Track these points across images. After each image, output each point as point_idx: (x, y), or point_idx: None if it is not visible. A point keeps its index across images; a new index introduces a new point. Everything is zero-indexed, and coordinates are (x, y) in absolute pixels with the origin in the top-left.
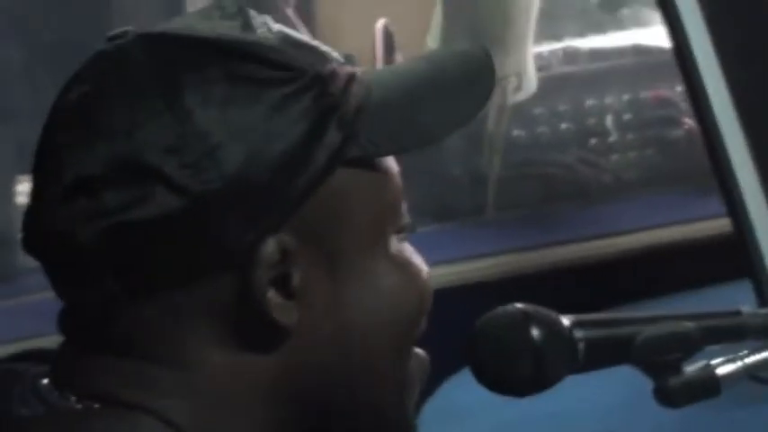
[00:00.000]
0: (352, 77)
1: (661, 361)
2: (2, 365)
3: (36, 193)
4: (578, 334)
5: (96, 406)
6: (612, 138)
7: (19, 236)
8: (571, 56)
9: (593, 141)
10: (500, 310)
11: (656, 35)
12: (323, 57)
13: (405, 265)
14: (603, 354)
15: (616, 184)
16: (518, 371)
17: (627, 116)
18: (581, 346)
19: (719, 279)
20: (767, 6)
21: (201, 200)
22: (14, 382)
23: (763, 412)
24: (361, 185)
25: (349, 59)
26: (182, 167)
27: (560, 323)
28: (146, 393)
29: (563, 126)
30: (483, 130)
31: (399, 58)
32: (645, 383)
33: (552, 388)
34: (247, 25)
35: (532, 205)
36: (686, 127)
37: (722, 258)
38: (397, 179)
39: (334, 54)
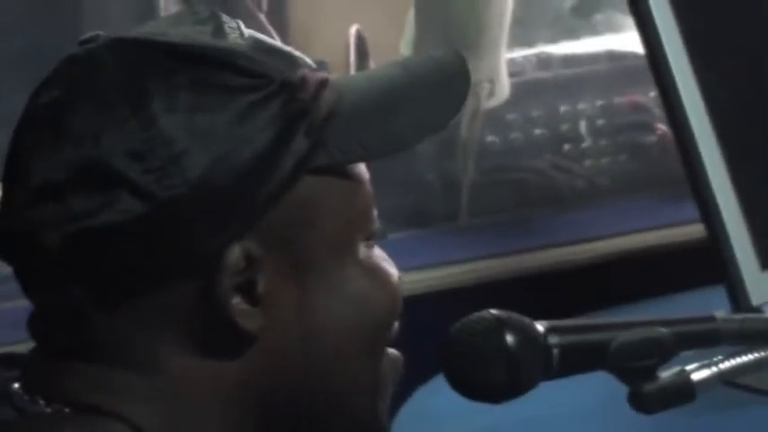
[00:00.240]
0: (323, 83)
1: (636, 367)
2: None
3: (5, 197)
4: (553, 340)
5: (67, 410)
6: (586, 143)
7: None
8: (544, 62)
9: (566, 147)
10: (474, 316)
11: (629, 41)
12: (294, 63)
13: (373, 271)
14: (578, 360)
15: (590, 189)
16: (492, 377)
17: (600, 122)
18: (555, 352)
19: (693, 285)
20: (741, 12)
21: (166, 206)
22: None
23: (738, 418)
24: (330, 192)
25: (321, 66)
26: (147, 173)
27: (535, 329)
28: (114, 398)
29: (536, 132)
30: (456, 135)
31: (372, 63)
32: (620, 389)
33: (527, 394)
34: (219, 30)
35: (506, 211)
36: (659, 132)
37: (696, 264)
38: (368, 186)
39: (307, 60)
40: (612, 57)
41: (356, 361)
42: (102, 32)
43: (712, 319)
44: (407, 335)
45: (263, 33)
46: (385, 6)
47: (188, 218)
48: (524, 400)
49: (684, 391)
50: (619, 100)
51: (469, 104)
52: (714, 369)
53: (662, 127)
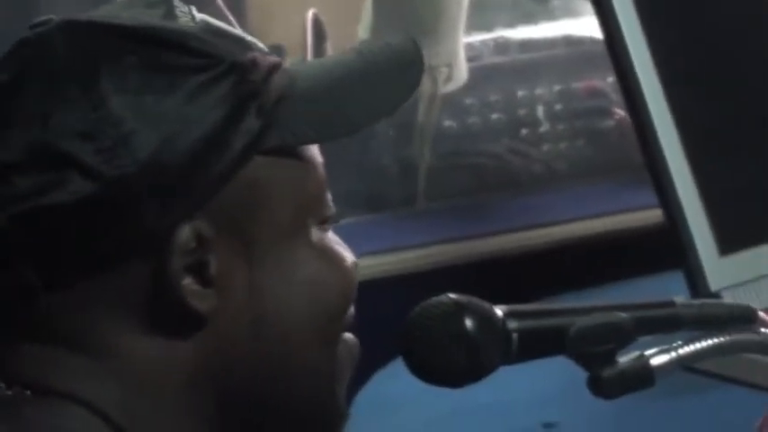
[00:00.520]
0: (275, 67)
1: (595, 351)
2: None
3: None
4: (512, 324)
5: (27, 393)
6: (543, 128)
7: None
8: (502, 46)
9: (524, 132)
10: (433, 300)
11: (587, 26)
12: (245, 46)
13: (326, 254)
14: (537, 344)
15: (547, 174)
16: (451, 361)
17: (558, 107)
18: (515, 336)
19: (651, 270)
20: None
21: (115, 186)
22: None
23: (697, 403)
24: (281, 174)
25: (278, 50)
26: (96, 153)
27: (494, 314)
28: (70, 380)
29: (494, 116)
30: (413, 120)
31: (330, 47)
32: (579, 374)
33: (486, 379)
34: (170, 13)
35: (463, 195)
36: (617, 117)
37: (654, 249)
38: (320, 169)
39: (259, 44)
40: (570, 42)
41: (310, 345)
42: (53, 16)
43: (672, 304)
44: (365, 319)
45: (220, 17)
46: None
47: (137, 198)
48: (483, 384)
49: (643, 376)
50: (576, 85)
51: (427, 89)
52: (673, 354)
53: (619, 112)
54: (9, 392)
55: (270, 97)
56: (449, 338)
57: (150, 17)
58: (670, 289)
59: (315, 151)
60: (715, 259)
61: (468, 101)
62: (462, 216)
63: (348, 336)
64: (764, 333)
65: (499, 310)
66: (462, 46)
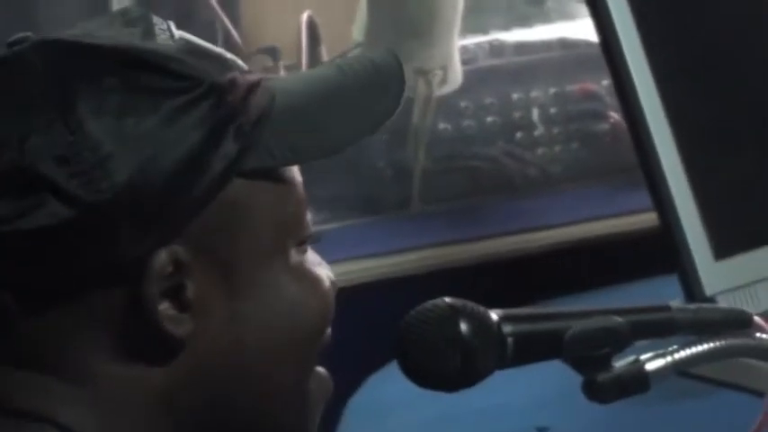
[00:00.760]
0: (254, 86)
1: (590, 356)
2: None
3: None
4: (507, 329)
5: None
6: (538, 131)
7: None
8: (497, 49)
9: (519, 135)
10: (428, 304)
11: (582, 28)
12: (224, 65)
13: (305, 276)
14: (532, 349)
15: (542, 177)
16: (446, 365)
17: (553, 110)
18: (510, 341)
19: (645, 274)
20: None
21: (92, 210)
22: None
23: (692, 408)
24: (260, 196)
25: (272, 52)
26: (72, 177)
27: (489, 318)
28: (44, 402)
29: (489, 119)
30: (408, 122)
31: (324, 50)
32: (573, 378)
33: (481, 383)
34: (148, 32)
35: (458, 199)
36: (612, 121)
37: (648, 253)
38: (300, 189)
39: (238, 63)
40: (565, 44)
41: (287, 368)
42: (31, 34)
43: (667, 308)
44: (359, 323)
45: (215, 19)
46: None
47: (114, 222)
48: (477, 388)
49: (638, 381)
50: (571, 88)
51: (422, 91)
52: (668, 359)
53: (614, 115)
54: None
55: (249, 118)
56: (444, 342)
57: (129, 36)
58: (665, 293)
59: (295, 171)
60: (710, 263)
61: (462, 104)
62: (457, 219)
63: (321, 370)
64: (760, 337)
65: (494, 315)
66: (457, 48)
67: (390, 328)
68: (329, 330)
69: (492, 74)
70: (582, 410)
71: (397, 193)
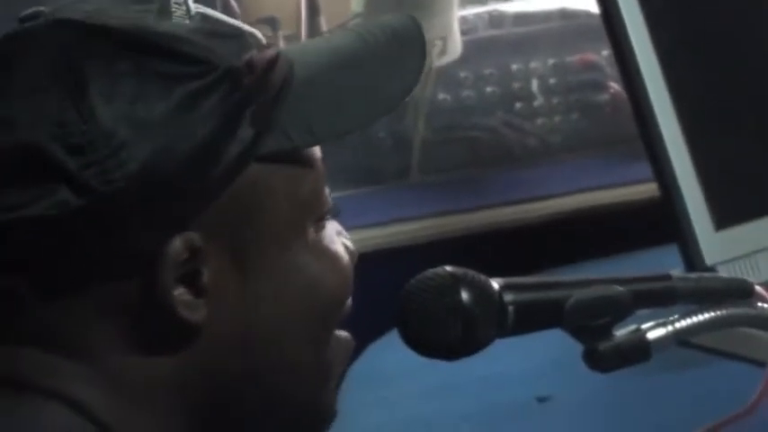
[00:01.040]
0: (271, 63)
1: (591, 325)
2: None
3: None
4: (508, 297)
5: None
6: (538, 102)
7: None
8: (497, 19)
9: (518, 105)
10: (429, 272)
11: None
12: (241, 44)
13: (323, 256)
14: (533, 317)
15: (542, 147)
16: (447, 334)
17: (552, 80)
18: (511, 309)
19: (646, 244)
20: None
21: (105, 199)
22: None
23: (692, 377)
24: (277, 179)
25: (271, 23)
26: (85, 166)
27: (490, 286)
28: (56, 381)
29: (488, 90)
30: None
31: (323, 20)
32: (574, 348)
33: (482, 352)
34: (164, 9)
35: (457, 169)
36: (612, 91)
37: (649, 223)
38: (318, 166)
39: (257, 36)
40: (565, 15)
41: (304, 349)
42: (44, 9)
43: (668, 277)
44: (359, 292)
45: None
46: None
47: (127, 211)
48: (478, 357)
49: (640, 350)
50: (571, 58)
51: None
52: (669, 328)
53: (614, 85)
54: None
55: (266, 99)
56: (445, 311)
57: (143, 14)
58: (665, 263)
59: (314, 148)
60: (710, 233)
61: (462, 74)
62: (456, 189)
63: (343, 334)
64: (761, 307)
65: (495, 283)
66: (457, 19)
67: (391, 297)
68: (350, 301)
69: (491, 44)
70: (582, 379)
71: (397, 164)
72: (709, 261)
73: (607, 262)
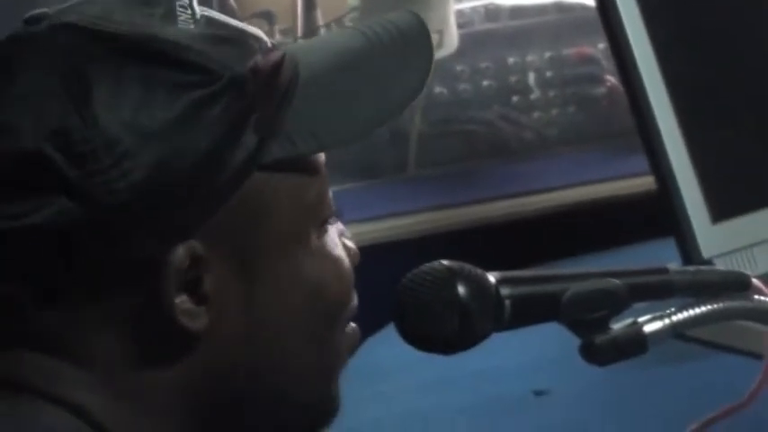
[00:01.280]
0: (276, 67)
1: (588, 318)
2: None
3: None
4: (505, 291)
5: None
6: (534, 95)
7: None
8: (493, 13)
9: (515, 99)
10: (425, 266)
11: None
12: (246, 49)
13: (325, 259)
14: (530, 311)
15: (538, 141)
16: (444, 328)
17: (549, 73)
18: (507, 303)
19: (643, 237)
20: None
21: (107, 210)
22: None
23: (689, 370)
24: (281, 187)
25: (267, 17)
26: (88, 176)
27: (487, 280)
28: (58, 385)
29: (485, 83)
30: None
31: (319, 14)
32: (570, 341)
33: (478, 346)
34: (170, 13)
35: (454, 162)
36: (608, 84)
37: (645, 216)
38: (321, 171)
39: (262, 39)
40: (561, 8)
41: (309, 350)
42: (48, 10)
43: (665, 270)
44: (356, 286)
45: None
46: None
47: (129, 221)
48: (475, 351)
49: (636, 343)
50: (567, 52)
51: None
52: (666, 321)
53: (610, 79)
54: None
55: (269, 108)
56: (441, 305)
57: (149, 19)
58: (662, 256)
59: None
60: (707, 226)
61: (458, 67)
62: (453, 183)
63: (348, 327)
64: (758, 300)
65: (492, 277)
66: (453, 12)
67: (387, 291)
68: (355, 300)
69: (488, 38)
70: (579, 373)
71: (394, 157)
72: (706, 254)
73: (604, 255)
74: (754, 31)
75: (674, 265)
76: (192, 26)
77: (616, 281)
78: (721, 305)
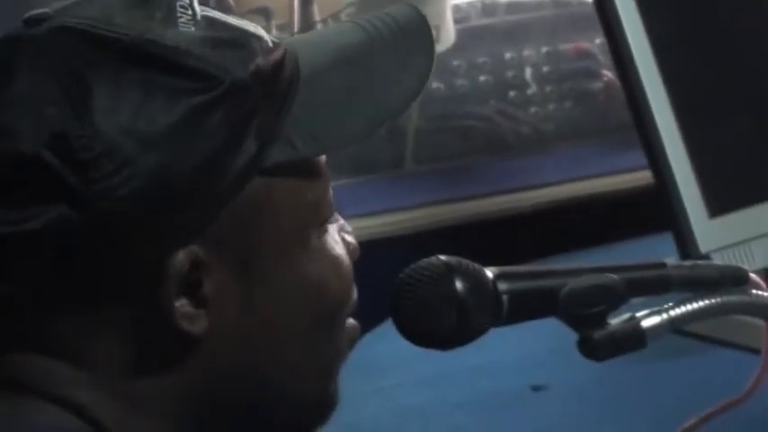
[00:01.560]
0: (277, 68)
1: (586, 313)
2: None
3: None
4: (502, 286)
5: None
6: (531, 90)
7: None
8: (489, 8)
9: (512, 94)
10: (423, 262)
11: None
12: (247, 52)
13: (325, 258)
14: (528, 306)
15: (535, 136)
16: (442, 323)
17: (546, 68)
18: (505, 298)
19: (640, 232)
20: None
21: (107, 215)
22: None
23: (687, 365)
24: (282, 190)
25: (264, 12)
26: (89, 183)
27: (484, 275)
28: (59, 387)
29: (482, 78)
30: None
31: (316, 9)
32: (568, 336)
33: (476, 341)
34: (170, 15)
35: (451, 158)
36: (605, 79)
37: (643, 211)
38: (323, 171)
39: (263, 38)
40: (558, 3)
41: (309, 349)
42: (48, 11)
43: (663, 265)
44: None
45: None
46: None
47: (129, 227)
48: (472, 346)
49: (635, 338)
50: (564, 46)
51: None
52: (664, 316)
53: (607, 74)
54: None
55: (271, 110)
56: (439, 300)
57: (149, 21)
58: (659, 251)
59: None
60: (705, 221)
61: (455, 63)
62: (450, 178)
63: (348, 322)
64: (755, 294)
65: (490, 272)
66: (449, 7)
67: (384, 286)
68: (355, 297)
69: (485, 33)
70: (577, 368)
71: (391, 153)
72: (703, 249)
73: (601, 250)
74: (753, 26)
75: (672, 259)
76: (193, 28)
77: (614, 276)
78: (719, 300)
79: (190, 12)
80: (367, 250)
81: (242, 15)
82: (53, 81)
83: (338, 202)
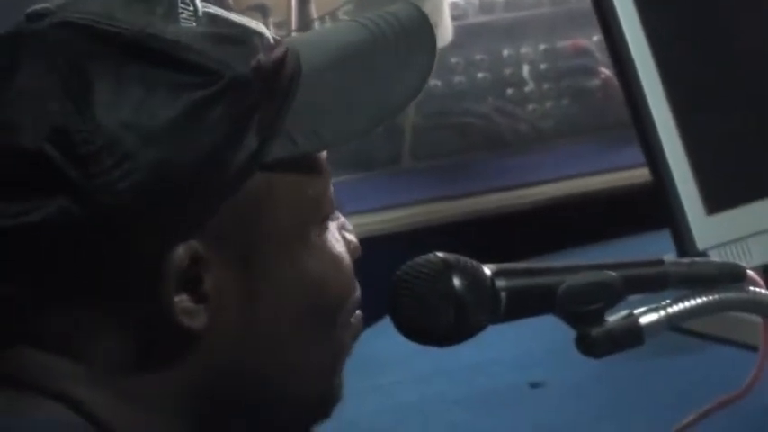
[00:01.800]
0: (278, 65)
1: (584, 310)
2: None
3: None
4: (500, 283)
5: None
6: (529, 87)
7: None
8: (487, 5)
9: (509, 91)
10: (420, 259)
11: None
12: (249, 48)
13: (325, 255)
14: (526, 303)
15: (533, 133)
16: (439, 320)
17: (543, 66)
18: (503, 295)
19: (638, 229)
20: None
21: (108, 209)
22: None
23: (685, 362)
24: (282, 186)
25: (261, 10)
26: (90, 177)
27: (482, 272)
28: (59, 382)
29: (479, 75)
30: None
31: (313, 7)
32: (566, 333)
33: (474, 338)
34: (172, 10)
35: (449, 155)
36: (603, 76)
37: (641, 208)
38: (324, 167)
39: (265, 34)
40: (555, 0)
41: (310, 346)
42: (50, 6)
43: (660, 262)
44: None
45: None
46: None
47: (130, 221)
48: (470, 343)
49: (632, 335)
50: (562, 44)
51: None
52: (662, 313)
53: (605, 71)
54: None
55: (272, 106)
56: (437, 297)
57: (150, 17)
58: (656, 248)
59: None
60: (702, 218)
61: (453, 60)
62: (447, 175)
63: (356, 315)
64: (753, 291)
65: (487, 269)
66: (447, 4)
67: (382, 283)
68: (357, 293)
69: (482, 30)
70: (575, 365)
71: (388, 150)
72: (700, 246)
73: (599, 247)
74: (750, 23)
75: (670, 256)
76: (194, 24)
77: (611, 273)
78: (716, 297)
79: (191, 8)
80: (365, 247)
81: (240, 12)
82: (55, 76)
83: (338, 200)
